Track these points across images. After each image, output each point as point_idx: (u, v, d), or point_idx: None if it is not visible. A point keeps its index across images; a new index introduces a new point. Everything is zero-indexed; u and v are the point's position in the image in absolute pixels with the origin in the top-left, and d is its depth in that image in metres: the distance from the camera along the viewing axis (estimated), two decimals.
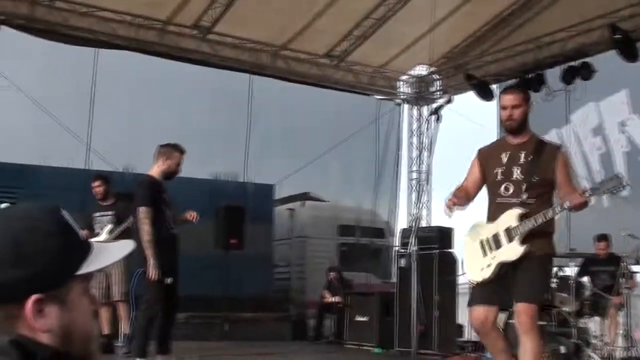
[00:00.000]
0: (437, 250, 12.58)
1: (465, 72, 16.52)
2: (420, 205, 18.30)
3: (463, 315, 13.48)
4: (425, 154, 17.86)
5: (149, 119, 15.61)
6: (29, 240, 1.60)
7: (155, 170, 9.00)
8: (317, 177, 18.61)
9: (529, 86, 15.16)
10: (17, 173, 14.24)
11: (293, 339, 15.08)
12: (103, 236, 10.84)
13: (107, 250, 1.77)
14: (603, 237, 12.22)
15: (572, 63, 14.66)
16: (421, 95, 18.49)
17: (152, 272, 8.49)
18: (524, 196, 6.26)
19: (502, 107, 6.53)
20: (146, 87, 15.78)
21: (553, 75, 15.00)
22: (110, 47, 14.78)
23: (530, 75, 15.30)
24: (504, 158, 6.45)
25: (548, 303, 6.44)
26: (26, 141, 14.59)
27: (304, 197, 19.30)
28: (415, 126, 18.65)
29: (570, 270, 11.20)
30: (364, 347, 13.45)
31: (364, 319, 13.81)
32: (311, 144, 17.72)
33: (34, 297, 1.57)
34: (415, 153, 18.56)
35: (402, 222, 18.33)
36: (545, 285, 6.49)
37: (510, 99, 6.46)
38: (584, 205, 6.19)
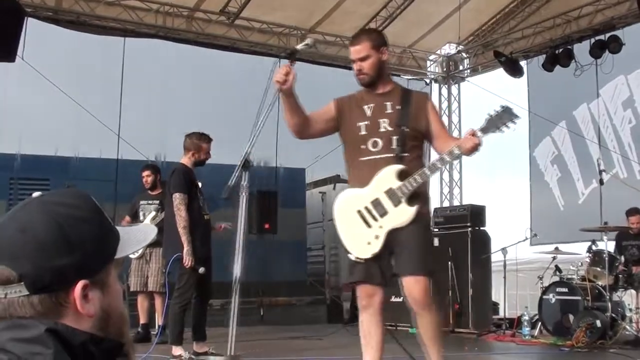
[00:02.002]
0: (470, 229, 12.55)
1: (493, 49, 16.46)
2: (452, 184, 18.28)
3: (497, 293, 13.49)
4: (455, 132, 17.76)
5: (178, 106, 15.63)
6: (72, 227, 1.61)
7: (186, 160, 9.12)
8: None
9: (558, 61, 15.09)
10: (47, 164, 14.31)
11: (329, 322, 15.12)
12: (146, 222, 10.97)
13: (133, 235, 1.79)
14: (635, 211, 12.08)
15: (601, 37, 14.55)
16: (450, 74, 18.44)
17: (187, 259, 8.57)
18: (397, 150, 5.55)
19: (351, 61, 5.75)
20: (174, 74, 15.80)
21: (582, 49, 14.89)
22: (138, 36, 14.81)
23: (558, 51, 15.21)
24: (368, 111, 5.69)
25: (434, 273, 5.70)
26: (57, 132, 14.64)
27: (335, 179, 19.30)
28: (445, 105, 18.58)
29: (604, 244, 11.12)
30: (400, 328, 13.45)
31: (399, 299, 13.73)
32: None
33: (81, 282, 1.59)
34: None
35: (434, 202, 18.26)
36: (431, 253, 5.72)
37: (354, 50, 5.69)
38: (477, 147, 5.40)
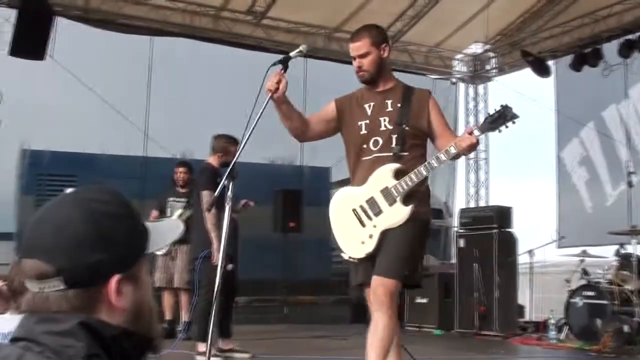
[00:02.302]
0: (497, 230, 12.44)
1: (521, 48, 16.34)
2: (479, 184, 18.20)
3: (523, 295, 13.38)
4: None
5: (204, 105, 15.69)
6: (107, 222, 1.64)
7: (213, 160, 9.23)
8: None
9: (586, 61, 14.95)
10: (75, 161, 14.45)
11: (352, 322, 15.07)
12: (173, 218, 10.96)
13: (160, 231, 1.81)
14: None
15: (630, 36, 14.36)
16: (477, 73, 18.35)
17: (217, 256, 8.60)
18: (396, 148, 5.41)
19: (352, 57, 5.66)
20: (201, 73, 15.84)
21: (610, 49, 14.72)
22: (165, 35, 14.88)
23: (587, 50, 15.07)
24: (368, 109, 5.58)
25: (415, 282, 5.47)
26: (84, 130, 14.75)
27: None
28: (471, 105, 18.51)
29: (632, 248, 10.98)
30: (424, 329, 13.40)
31: (424, 300, 13.72)
32: None
33: (116, 277, 1.62)
34: None
35: (460, 203, 18.19)
36: (411, 259, 5.40)
37: (354, 47, 5.62)
38: (474, 147, 5.35)
